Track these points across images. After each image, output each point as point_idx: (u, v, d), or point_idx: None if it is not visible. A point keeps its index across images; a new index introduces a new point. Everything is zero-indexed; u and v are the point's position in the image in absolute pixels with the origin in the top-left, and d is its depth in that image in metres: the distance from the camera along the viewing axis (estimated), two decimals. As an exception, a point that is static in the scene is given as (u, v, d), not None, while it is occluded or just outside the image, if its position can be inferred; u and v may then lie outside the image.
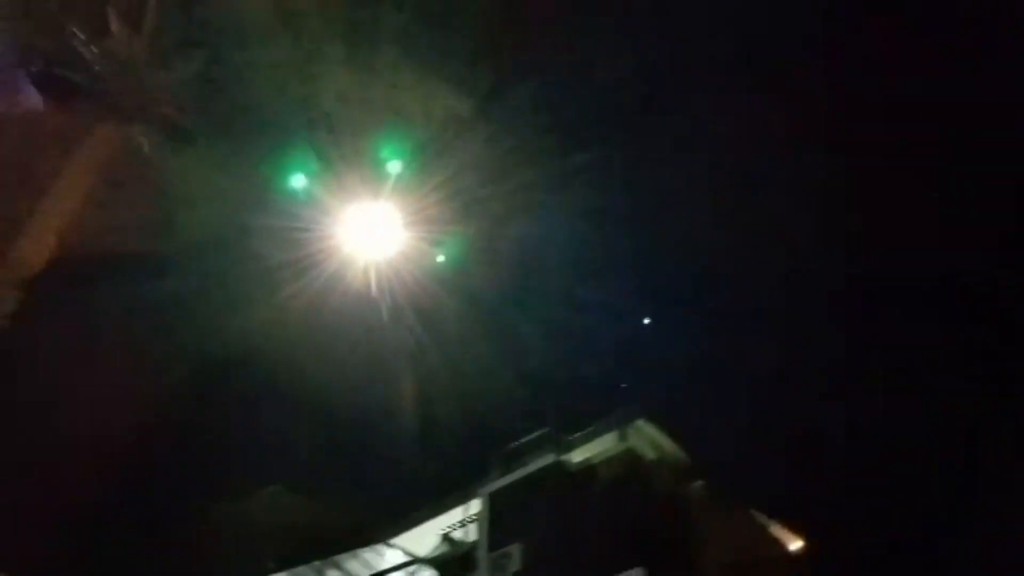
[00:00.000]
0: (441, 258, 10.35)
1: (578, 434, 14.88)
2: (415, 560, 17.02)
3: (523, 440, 14.77)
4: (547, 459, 13.91)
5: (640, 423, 14.77)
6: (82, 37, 8.74)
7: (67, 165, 7.77)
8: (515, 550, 13.14)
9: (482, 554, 13.84)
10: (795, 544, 16.32)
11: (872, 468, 16.72)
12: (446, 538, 17.03)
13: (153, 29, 9.12)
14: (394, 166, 8.95)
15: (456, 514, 17.44)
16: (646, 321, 18.67)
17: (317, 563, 18.22)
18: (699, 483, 14.60)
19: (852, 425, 17.02)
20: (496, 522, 14.09)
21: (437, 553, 16.80)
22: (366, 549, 18.11)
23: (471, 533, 16.45)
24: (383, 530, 18.31)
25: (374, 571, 17.78)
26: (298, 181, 8.99)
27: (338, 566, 18.24)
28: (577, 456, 14.46)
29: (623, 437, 14.23)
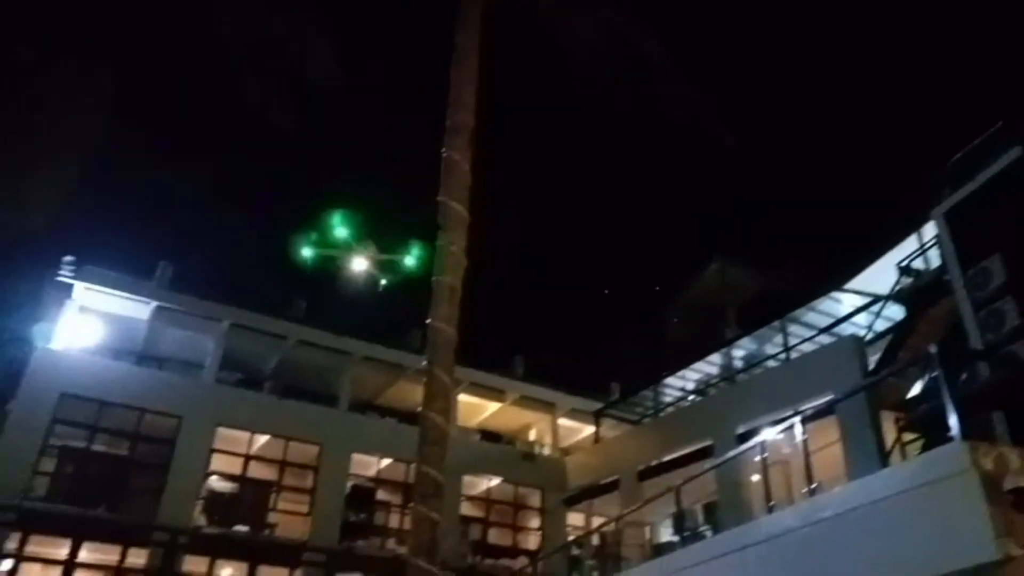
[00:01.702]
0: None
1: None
2: (876, 299, 16.55)
3: (972, 144, 12.88)
4: (1010, 154, 11.96)
5: None
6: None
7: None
8: (994, 263, 11.81)
9: (954, 276, 12.77)
10: None
11: None
12: (905, 270, 16.13)
13: None
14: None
15: (910, 244, 16.36)
16: None
17: (776, 323, 18.90)
18: None
19: None
20: (962, 240, 12.79)
21: (899, 288, 16.08)
22: (821, 300, 18.17)
23: (932, 260, 15.35)
24: (834, 279, 18.07)
25: (835, 318, 17.86)
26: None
27: (797, 320, 18.69)
28: (1049, 141, 12.15)
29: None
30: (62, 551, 17.90)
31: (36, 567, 18.13)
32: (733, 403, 19.09)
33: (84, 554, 18.13)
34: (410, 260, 13.33)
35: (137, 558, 18.50)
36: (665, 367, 23.10)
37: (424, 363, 7.82)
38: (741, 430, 17.51)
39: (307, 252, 13.15)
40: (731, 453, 14.80)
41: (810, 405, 13.61)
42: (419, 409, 7.76)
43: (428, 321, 7.70)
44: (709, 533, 17.33)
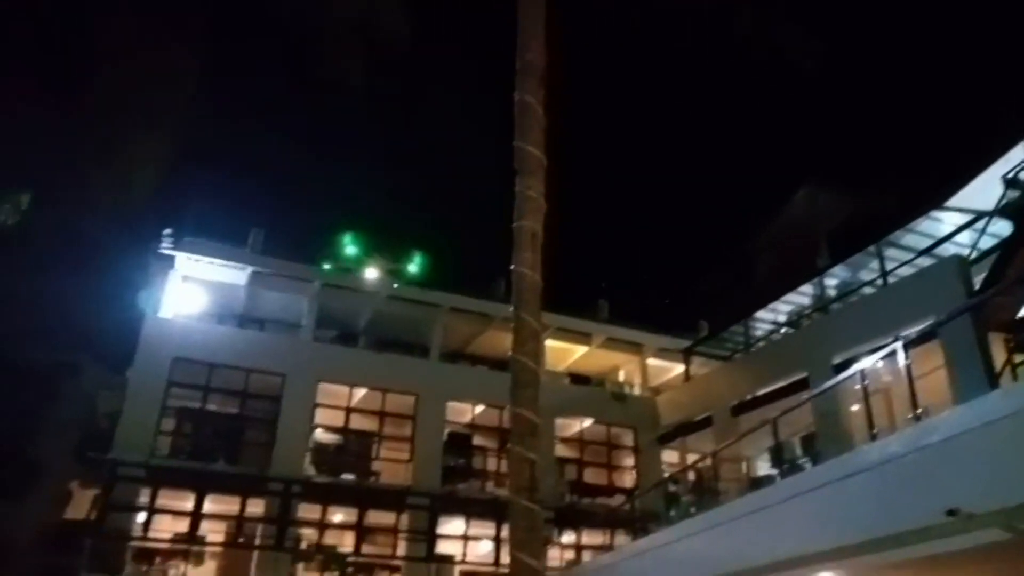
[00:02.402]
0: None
1: None
2: (980, 215, 15.63)
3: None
4: None
5: None
6: None
7: None
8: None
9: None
10: None
11: None
12: (1011, 183, 15.13)
13: None
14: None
15: (1016, 155, 15.29)
16: None
17: (871, 248, 18.14)
18: None
19: None
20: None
21: (1005, 202, 15.12)
22: (919, 220, 17.28)
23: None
24: (933, 197, 17.11)
25: (935, 239, 16.99)
26: None
27: (894, 243, 17.88)
28: None
29: None
30: (188, 503, 19.32)
31: (167, 519, 19.64)
32: (828, 333, 18.59)
33: (208, 505, 19.51)
34: (413, 267, 15.10)
35: (255, 507, 19.78)
36: (755, 301, 22.61)
37: (511, 309, 7.93)
38: (838, 360, 17.07)
39: (327, 266, 14.79)
40: (829, 383, 14.48)
41: (912, 330, 13.14)
42: (509, 354, 7.90)
43: (512, 268, 7.77)
44: (808, 465, 17.12)
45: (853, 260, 19.41)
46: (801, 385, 18.26)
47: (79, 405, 23.05)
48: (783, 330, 22.56)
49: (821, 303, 20.88)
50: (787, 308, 22.28)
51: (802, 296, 21.58)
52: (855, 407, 15.75)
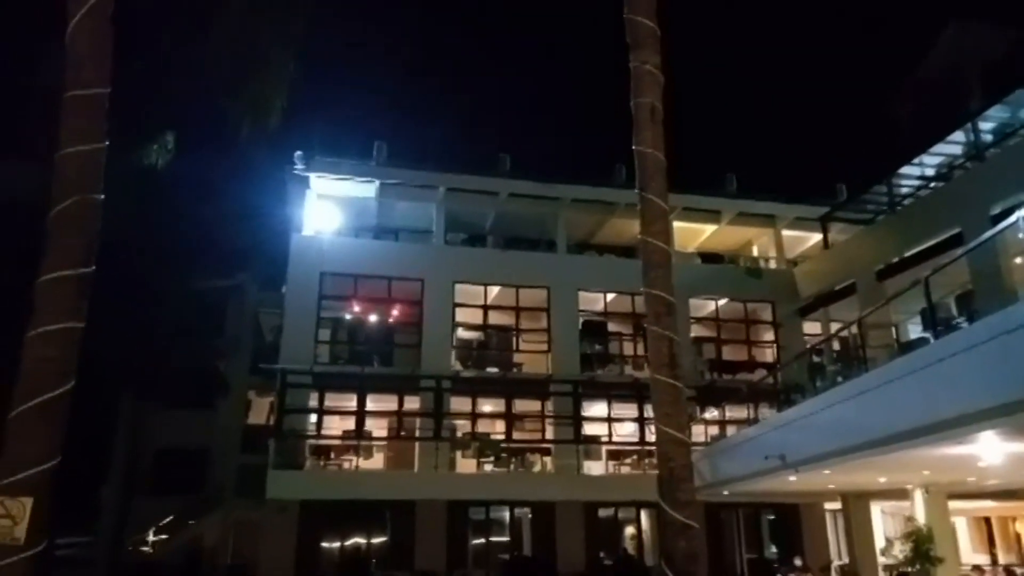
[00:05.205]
0: None
1: None
2: None
3: None
4: None
5: None
6: None
7: None
8: None
9: None
10: None
11: None
12: None
13: None
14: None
15: None
16: None
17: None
18: None
19: None
20: None
21: None
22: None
23: None
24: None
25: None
26: None
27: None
28: None
29: None
30: (351, 403, 21.08)
31: (335, 418, 21.55)
32: (985, 182, 17.14)
33: (369, 404, 21.23)
34: None
35: (412, 403, 21.29)
36: (898, 156, 21.01)
37: (635, 193, 7.87)
38: (996, 210, 15.80)
39: None
40: (988, 234, 13.48)
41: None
42: (638, 237, 7.92)
43: (634, 147, 7.66)
44: (965, 325, 16.21)
45: (1013, 98, 17.51)
46: (954, 242, 17.11)
47: (247, 323, 25.31)
48: (932, 185, 20.96)
49: (975, 150, 19.13)
50: (935, 161, 20.59)
51: (952, 145, 19.82)
52: (1018, 259, 14.65)
